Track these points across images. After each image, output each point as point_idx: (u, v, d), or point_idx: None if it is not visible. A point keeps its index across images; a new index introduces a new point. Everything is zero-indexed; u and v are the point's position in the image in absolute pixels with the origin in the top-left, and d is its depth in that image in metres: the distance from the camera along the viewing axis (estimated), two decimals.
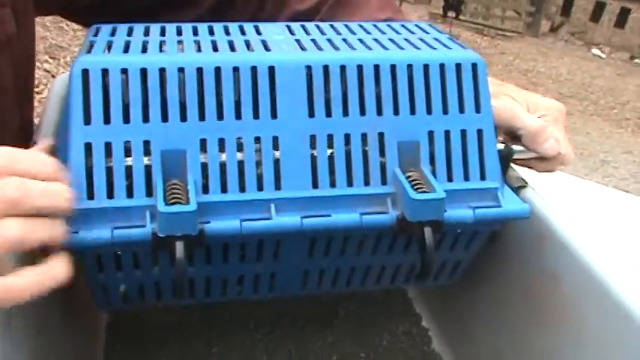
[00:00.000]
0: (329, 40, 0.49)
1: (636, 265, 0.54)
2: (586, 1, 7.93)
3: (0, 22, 0.62)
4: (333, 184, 0.45)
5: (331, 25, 0.54)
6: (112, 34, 0.50)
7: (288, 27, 0.53)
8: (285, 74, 0.44)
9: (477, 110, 0.48)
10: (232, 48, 0.47)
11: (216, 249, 0.46)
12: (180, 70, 0.43)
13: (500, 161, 0.51)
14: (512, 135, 0.53)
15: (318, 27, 0.53)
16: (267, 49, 0.47)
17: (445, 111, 0.47)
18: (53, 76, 3.80)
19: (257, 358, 0.63)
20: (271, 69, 0.44)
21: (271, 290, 0.53)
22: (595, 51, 7.71)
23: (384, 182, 0.46)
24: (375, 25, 0.55)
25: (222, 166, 0.43)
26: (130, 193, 0.41)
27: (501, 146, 0.52)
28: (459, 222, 0.47)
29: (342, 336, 0.65)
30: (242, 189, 0.43)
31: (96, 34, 0.50)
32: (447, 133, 0.47)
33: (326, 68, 0.45)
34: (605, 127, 5.09)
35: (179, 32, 0.50)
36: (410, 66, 0.46)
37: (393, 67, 0.46)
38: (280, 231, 0.44)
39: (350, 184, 0.45)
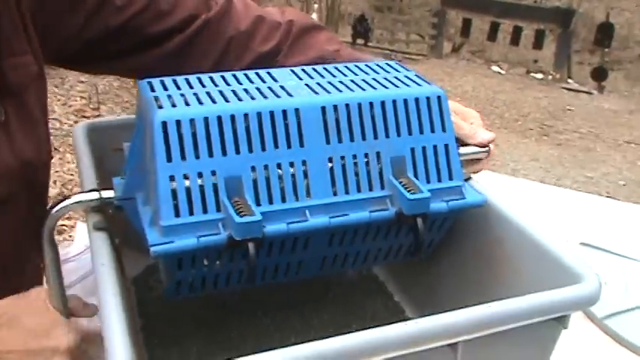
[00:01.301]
0: (330, 83, 0.66)
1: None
2: (482, 22, 8.43)
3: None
4: (347, 191, 0.63)
5: (326, 69, 0.71)
6: (165, 88, 0.64)
7: (294, 72, 0.69)
8: (307, 113, 0.62)
9: (443, 130, 0.66)
10: (262, 94, 0.63)
11: (264, 246, 0.62)
12: (232, 117, 0.59)
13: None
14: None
15: (316, 71, 0.70)
16: (289, 94, 0.63)
17: (421, 132, 0.65)
18: None
19: (270, 336, 0.78)
20: (297, 110, 0.61)
21: (297, 274, 0.69)
22: (495, 68, 8.19)
23: (382, 187, 0.64)
24: (357, 66, 0.72)
25: (268, 184, 0.60)
26: (205, 210, 0.57)
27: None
28: (438, 212, 0.64)
29: (334, 313, 0.82)
30: (283, 200, 0.60)
31: (152, 89, 0.63)
32: (424, 148, 0.65)
33: (335, 107, 0.62)
34: (512, 139, 5.41)
35: (215, 83, 0.65)
36: (394, 101, 0.64)
37: (382, 103, 0.64)
38: (314, 229, 0.60)
39: (359, 190, 0.63)
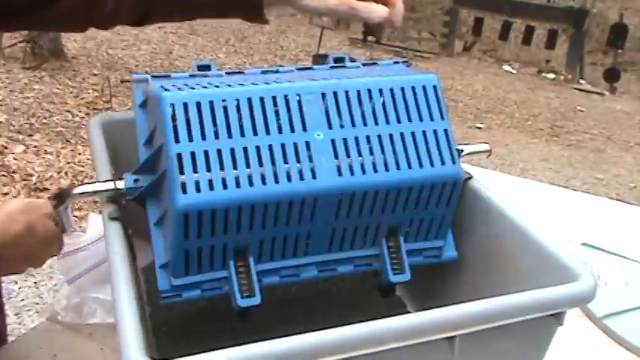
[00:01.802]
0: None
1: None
2: (494, 21, 8.40)
3: None
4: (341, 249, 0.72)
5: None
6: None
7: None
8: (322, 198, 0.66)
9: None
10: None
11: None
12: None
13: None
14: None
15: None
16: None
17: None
18: None
19: (274, 327, 0.80)
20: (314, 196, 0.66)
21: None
22: (506, 67, 8.16)
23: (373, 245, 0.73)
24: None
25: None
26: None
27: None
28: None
29: (336, 306, 0.84)
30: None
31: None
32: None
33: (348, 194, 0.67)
34: (522, 138, 5.40)
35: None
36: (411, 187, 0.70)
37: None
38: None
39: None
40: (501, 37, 8.25)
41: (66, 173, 3.33)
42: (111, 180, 0.69)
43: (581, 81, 7.81)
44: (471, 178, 0.76)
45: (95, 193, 0.69)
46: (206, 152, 0.63)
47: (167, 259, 0.67)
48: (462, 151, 0.74)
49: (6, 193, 3.03)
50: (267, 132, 0.65)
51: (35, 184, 3.16)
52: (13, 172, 3.20)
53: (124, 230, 0.67)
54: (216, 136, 0.63)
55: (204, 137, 0.63)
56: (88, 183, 0.70)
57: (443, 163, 0.69)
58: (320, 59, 0.83)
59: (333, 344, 0.52)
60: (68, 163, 3.44)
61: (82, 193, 0.69)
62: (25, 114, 4.01)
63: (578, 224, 1.23)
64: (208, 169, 0.63)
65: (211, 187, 0.62)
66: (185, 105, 0.63)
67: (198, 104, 0.63)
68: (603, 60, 8.33)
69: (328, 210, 0.67)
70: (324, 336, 0.52)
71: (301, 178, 0.65)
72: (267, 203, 0.64)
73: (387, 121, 0.69)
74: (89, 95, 4.52)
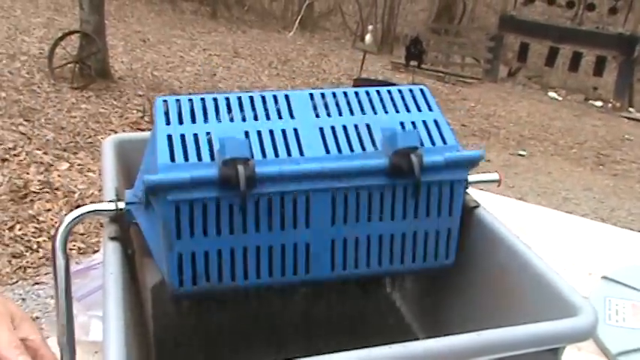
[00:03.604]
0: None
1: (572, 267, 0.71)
2: (541, 46, 8.30)
3: None
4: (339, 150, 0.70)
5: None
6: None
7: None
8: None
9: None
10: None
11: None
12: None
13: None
14: None
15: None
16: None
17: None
18: (29, 138, 3.93)
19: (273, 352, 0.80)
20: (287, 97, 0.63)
21: (307, 263, 0.73)
22: (551, 94, 8.04)
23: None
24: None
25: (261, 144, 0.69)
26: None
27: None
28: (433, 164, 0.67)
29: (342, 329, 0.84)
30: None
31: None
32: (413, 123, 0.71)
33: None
34: (566, 166, 5.30)
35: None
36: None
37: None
38: (307, 172, 0.67)
39: (351, 150, 0.70)
40: (548, 64, 8.15)
41: (99, 190, 3.40)
42: (112, 201, 0.70)
43: (630, 109, 7.64)
44: (478, 206, 0.75)
45: (96, 212, 0.70)
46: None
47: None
48: (467, 180, 0.73)
49: (49, 209, 3.11)
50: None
51: (77, 200, 3.24)
52: (56, 189, 3.29)
53: (124, 250, 0.68)
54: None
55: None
56: (92, 204, 0.71)
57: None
58: (362, 82, 0.84)
59: None
60: None
61: (82, 214, 0.69)
62: (71, 132, 4.12)
63: (600, 256, 1.19)
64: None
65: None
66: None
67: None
68: None
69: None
70: None
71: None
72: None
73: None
74: (133, 115, 4.64)
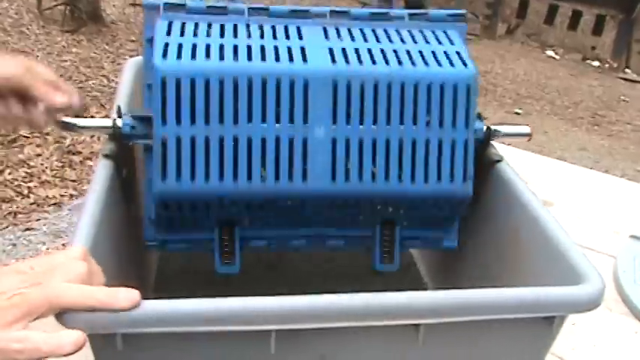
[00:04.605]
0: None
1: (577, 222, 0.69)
2: (540, 4, 8.18)
3: None
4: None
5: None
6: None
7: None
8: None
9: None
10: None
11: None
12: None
13: (483, 140, 0.70)
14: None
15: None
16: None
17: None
18: None
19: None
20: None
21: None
22: (549, 52, 7.96)
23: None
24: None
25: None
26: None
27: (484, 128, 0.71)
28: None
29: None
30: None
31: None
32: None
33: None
34: (561, 126, 5.26)
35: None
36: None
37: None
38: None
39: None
40: (546, 22, 8.03)
41: (98, 138, 3.35)
42: (113, 118, 0.69)
43: (627, 70, 7.58)
44: (500, 160, 0.72)
45: (97, 128, 0.69)
46: (192, 138, 0.61)
47: (153, 216, 0.66)
48: (499, 132, 0.70)
49: (39, 155, 3.07)
50: (263, 120, 0.61)
51: (68, 147, 3.19)
52: (47, 135, 3.23)
53: (118, 171, 0.66)
54: (207, 121, 0.60)
55: (193, 121, 0.60)
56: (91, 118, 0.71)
57: (452, 179, 0.65)
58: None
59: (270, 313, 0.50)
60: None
61: (84, 127, 0.68)
62: (62, 77, 3.97)
63: (628, 215, 1.17)
64: (193, 155, 0.61)
65: (193, 177, 0.61)
66: (178, 81, 0.60)
67: (193, 81, 0.60)
68: None
69: (318, 212, 0.66)
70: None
71: (290, 178, 0.62)
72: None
73: (402, 122, 0.64)
74: (126, 61, 4.54)
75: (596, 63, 7.73)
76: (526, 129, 0.76)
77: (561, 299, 0.54)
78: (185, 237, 0.67)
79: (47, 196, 2.76)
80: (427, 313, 0.52)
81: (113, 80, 4.15)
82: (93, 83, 4.06)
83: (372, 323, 0.52)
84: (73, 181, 2.90)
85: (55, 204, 2.73)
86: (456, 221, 0.72)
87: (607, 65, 7.65)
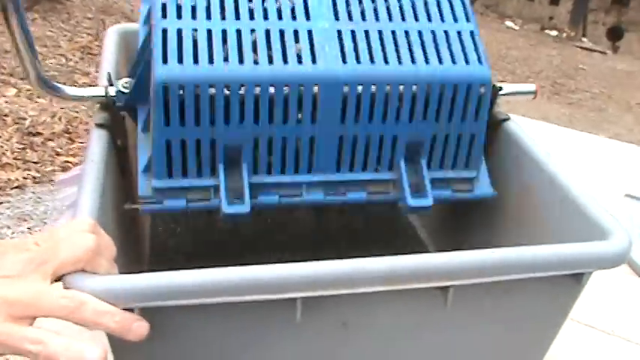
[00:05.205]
0: (366, 33, 0.61)
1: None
2: None
3: None
4: (351, 169, 0.61)
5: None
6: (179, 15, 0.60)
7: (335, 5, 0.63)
8: (325, 89, 0.57)
9: (476, 119, 0.62)
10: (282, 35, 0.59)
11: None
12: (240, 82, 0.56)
13: (491, 97, 0.68)
14: None
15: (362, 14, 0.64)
16: (311, 43, 0.59)
17: (450, 120, 0.62)
18: None
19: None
20: (315, 84, 0.57)
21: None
22: (508, 23, 8.02)
23: (390, 168, 0.62)
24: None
25: (269, 154, 0.59)
26: (199, 173, 0.57)
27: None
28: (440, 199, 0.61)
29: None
30: (282, 172, 0.59)
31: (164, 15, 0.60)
32: (447, 136, 0.62)
33: (359, 84, 0.59)
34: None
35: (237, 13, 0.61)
36: (429, 85, 0.60)
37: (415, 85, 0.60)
38: (306, 204, 0.61)
39: (364, 169, 0.62)
40: None
41: (60, 118, 3.25)
42: (103, 86, 0.66)
43: (584, 39, 7.69)
44: (508, 119, 0.71)
45: (87, 97, 0.66)
46: (194, 31, 0.57)
47: (149, 157, 0.62)
48: (501, 88, 0.68)
49: None
50: (265, 17, 0.59)
51: (28, 128, 3.09)
52: (5, 116, 3.12)
53: (113, 140, 0.63)
54: (208, 16, 0.57)
55: (194, 16, 0.57)
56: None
57: (467, 62, 0.62)
58: None
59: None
60: (62, 108, 3.35)
61: (73, 96, 0.65)
62: (16, 56, 3.90)
63: (619, 174, 1.18)
64: (195, 48, 0.57)
65: (196, 61, 0.56)
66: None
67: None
68: (605, 19, 8.18)
69: (332, 106, 0.58)
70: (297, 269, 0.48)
71: (299, 61, 0.58)
72: (258, 83, 0.57)
73: (403, 18, 0.62)
74: (83, 39, 4.40)
75: (554, 33, 7.83)
76: (531, 87, 0.75)
77: (595, 255, 0.53)
78: (185, 184, 0.61)
79: (9, 179, 2.67)
80: (458, 274, 0.51)
81: (71, 59, 4.02)
82: (50, 62, 3.93)
83: (401, 287, 0.50)
84: (35, 162, 2.81)
85: (17, 187, 2.64)
86: (482, 159, 0.68)
87: (564, 35, 7.75)
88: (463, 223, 0.79)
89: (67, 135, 3.10)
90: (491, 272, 0.51)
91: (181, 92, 0.55)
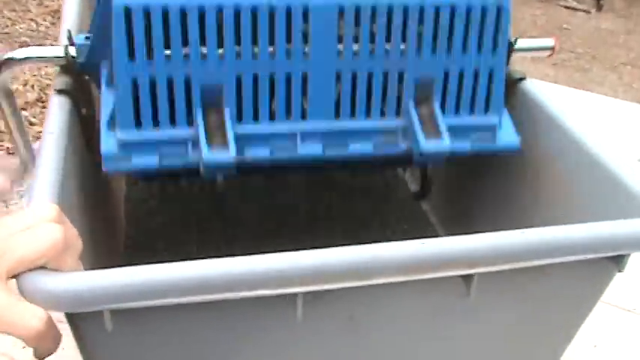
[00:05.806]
0: None
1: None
2: None
3: None
4: (353, 115, 0.52)
5: None
6: None
7: None
8: (317, 15, 0.48)
9: (494, 49, 0.53)
10: None
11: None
12: (219, 8, 0.46)
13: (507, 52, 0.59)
14: None
15: None
16: None
17: (464, 51, 0.53)
18: None
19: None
20: (305, 9, 0.48)
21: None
22: None
23: (398, 114, 0.53)
24: None
25: (255, 98, 0.49)
26: (172, 122, 0.47)
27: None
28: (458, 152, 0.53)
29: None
30: (272, 118, 0.50)
31: None
32: (462, 72, 0.53)
33: (357, 10, 0.49)
34: None
35: None
36: (437, 7, 0.51)
37: (421, 10, 0.51)
38: (303, 159, 0.51)
39: (368, 115, 0.52)
40: None
41: (32, 86, 3.12)
42: (64, 45, 0.57)
43: None
44: (524, 79, 0.63)
45: (43, 58, 0.58)
46: None
47: (113, 106, 0.52)
48: (515, 42, 0.60)
49: None
50: None
51: None
52: None
53: (76, 108, 0.55)
54: None
55: None
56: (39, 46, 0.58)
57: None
58: None
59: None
60: (34, 75, 3.22)
61: (27, 58, 0.58)
62: None
63: (633, 138, 1.10)
64: None
65: None
66: None
67: None
68: None
69: (326, 35, 0.50)
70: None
71: None
72: (237, 8, 0.47)
73: None
74: (54, 3, 4.23)
75: None
76: (549, 42, 0.67)
77: (636, 235, 0.45)
78: (156, 137, 0.51)
79: None
80: (487, 259, 0.43)
81: (42, 24, 3.87)
82: (21, 28, 3.77)
83: (422, 277, 0.43)
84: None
85: None
86: (502, 100, 0.59)
87: None
88: (475, 198, 0.71)
89: (40, 104, 2.98)
90: (523, 256, 0.44)
91: (146, 17, 0.46)
